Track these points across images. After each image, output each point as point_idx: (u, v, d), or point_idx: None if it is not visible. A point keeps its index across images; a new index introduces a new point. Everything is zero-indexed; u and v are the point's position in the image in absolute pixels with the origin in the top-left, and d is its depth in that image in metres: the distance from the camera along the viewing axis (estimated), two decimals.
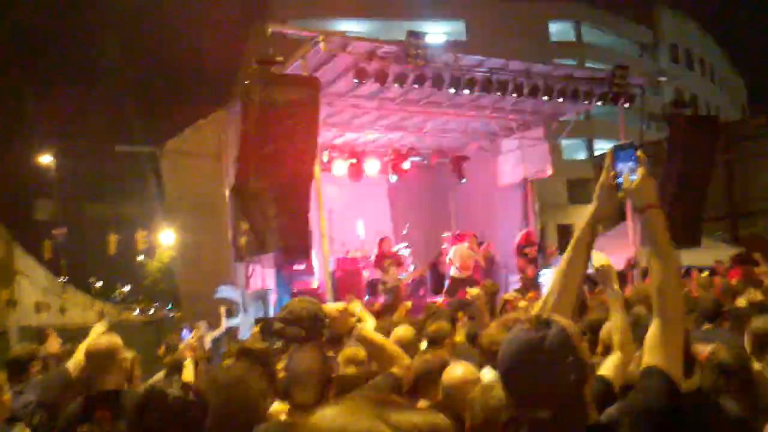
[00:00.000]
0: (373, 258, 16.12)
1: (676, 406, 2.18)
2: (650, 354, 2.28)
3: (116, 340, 4.46)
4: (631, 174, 2.46)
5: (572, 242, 2.61)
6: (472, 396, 3.29)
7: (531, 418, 2.08)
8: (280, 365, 5.02)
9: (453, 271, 16.21)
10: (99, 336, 4.63)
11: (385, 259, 15.75)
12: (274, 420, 2.64)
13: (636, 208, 2.48)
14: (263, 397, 3.43)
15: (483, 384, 3.39)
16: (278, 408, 3.68)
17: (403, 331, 5.71)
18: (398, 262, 16.17)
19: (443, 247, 17.42)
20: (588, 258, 2.63)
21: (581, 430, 2.09)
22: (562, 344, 2.09)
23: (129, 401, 4.06)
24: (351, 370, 4.99)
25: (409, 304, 11.10)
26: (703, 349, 4.18)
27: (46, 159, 39.23)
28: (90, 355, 4.41)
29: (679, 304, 2.38)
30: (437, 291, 17.20)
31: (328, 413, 1.27)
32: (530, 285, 15.00)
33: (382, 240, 16.09)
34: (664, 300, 2.34)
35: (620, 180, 2.47)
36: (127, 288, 73.28)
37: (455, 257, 16.24)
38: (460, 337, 6.89)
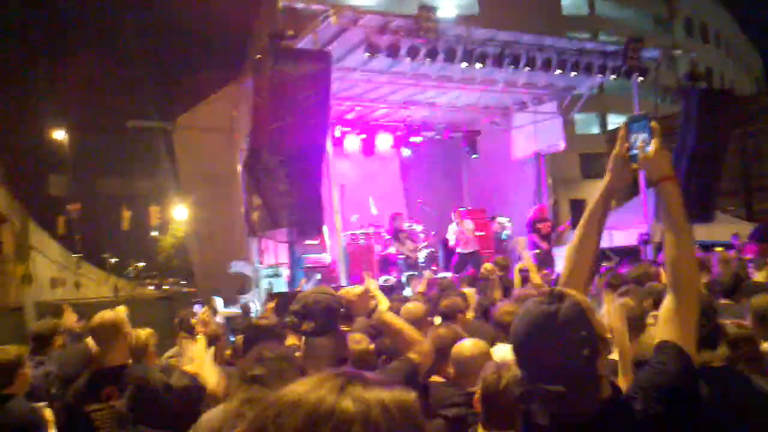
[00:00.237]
0: (385, 233, 16.12)
1: (690, 381, 2.17)
2: (664, 328, 2.25)
3: (121, 314, 4.49)
4: (645, 146, 2.42)
5: (585, 216, 2.56)
6: (484, 375, 3.29)
7: (543, 391, 2.06)
8: (291, 341, 5.05)
9: (459, 248, 16.22)
10: (105, 312, 4.64)
11: (400, 233, 15.78)
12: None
13: (651, 180, 2.44)
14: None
15: (496, 362, 3.39)
16: None
17: (413, 307, 5.70)
18: (412, 237, 16.21)
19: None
20: (601, 232, 2.58)
21: (594, 405, 2.08)
22: (575, 318, 2.07)
23: (131, 379, 4.09)
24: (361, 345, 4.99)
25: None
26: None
27: (59, 135, 39.36)
28: (95, 330, 4.44)
29: (694, 278, 2.36)
30: (449, 267, 17.21)
31: (294, 386, 1.26)
32: (544, 260, 14.94)
33: (395, 215, 16.09)
34: (678, 274, 2.31)
35: (635, 151, 2.44)
36: (141, 263, 73.64)
37: (449, 236, 16.27)
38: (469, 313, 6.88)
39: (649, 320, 4.42)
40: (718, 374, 3.53)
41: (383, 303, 7.57)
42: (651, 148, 2.40)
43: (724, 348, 3.84)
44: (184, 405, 3.78)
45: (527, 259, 9.04)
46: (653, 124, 2.44)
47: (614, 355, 3.79)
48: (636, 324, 4.31)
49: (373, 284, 6.74)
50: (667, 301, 2.30)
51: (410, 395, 1.29)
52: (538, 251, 15.61)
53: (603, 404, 2.10)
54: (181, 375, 3.91)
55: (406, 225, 16.49)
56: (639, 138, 2.44)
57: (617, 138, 2.50)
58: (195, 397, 3.84)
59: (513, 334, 2.17)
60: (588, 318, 2.10)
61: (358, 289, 4.10)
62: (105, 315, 4.51)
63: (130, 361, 4.46)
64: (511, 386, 2.44)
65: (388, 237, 16.07)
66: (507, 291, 8.19)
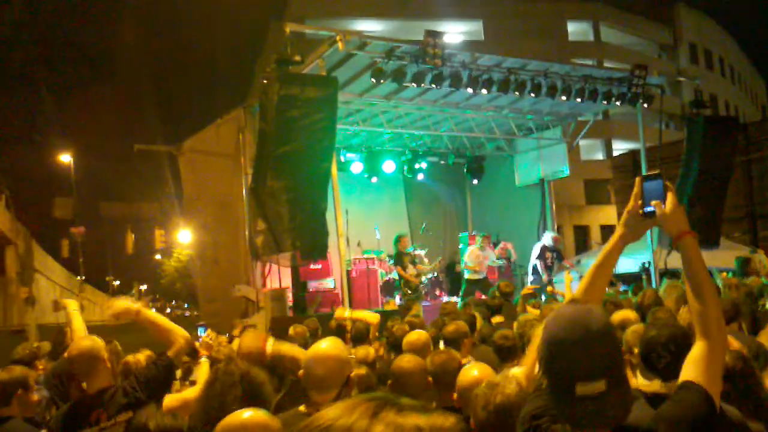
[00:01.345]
0: (388, 258, 16.07)
1: (712, 422, 2.23)
2: (691, 370, 2.32)
3: (97, 341, 4.45)
4: (661, 202, 2.51)
5: (594, 266, 2.64)
6: (477, 392, 3.27)
7: (580, 398, 2.04)
8: None
9: (467, 274, 16.17)
10: (79, 341, 4.61)
11: (403, 256, 15.75)
12: (240, 416, 2.65)
13: (670, 235, 2.51)
14: (266, 397, 3.41)
15: (488, 381, 3.37)
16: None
17: (416, 336, 5.70)
18: (416, 261, 16.21)
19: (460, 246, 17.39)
20: (608, 280, 2.70)
21: (626, 412, 2.10)
22: (607, 321, 2.15)
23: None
24: (362, 370, 4.98)
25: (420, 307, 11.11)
26: None
27: (65, 158, 39.48)
28: (73, 360, 4.40)
29: (722, 327, 2.44)
30: (453, 292, 17.17)
31: (328, 410, 1.23)
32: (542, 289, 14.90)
33: (399, 238, 16.05)
34: (708, 325, 2.38)
35: (650, 208, 2.51)
36: (144, 287, 73.67)
37: (469, 259, 16.21)
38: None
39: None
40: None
41: (372, 319, 7.52)
42: (668, 204, 2.49)
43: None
44: None
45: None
46: (668, 183, 2.53)
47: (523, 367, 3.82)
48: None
49: (344, 311, 6.77)
50: (698, 347, 2.37)
51: (449, 420, 1.24)
52: (534, 280, 15.60)
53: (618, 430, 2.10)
54: (163, 416, 3.86)
55: (409, 249, 16.46)
56: (653, 195, 2.53)
57: (632, 195, 2.57)
58: None
59: (549, 334, 2.17)
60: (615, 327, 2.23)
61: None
62: (81, 344, 4.46)
63: (111, 382, 4.40)
64: (504, 408, 2.44)
65: (391, 262, 16.02)
66: (510, 316, 8.16)
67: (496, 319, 8.47)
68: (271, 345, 4.93)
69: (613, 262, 2.63)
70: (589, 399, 2.03)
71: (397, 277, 15.97)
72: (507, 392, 3.13)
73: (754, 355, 4.39)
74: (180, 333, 4.40)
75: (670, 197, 2.50)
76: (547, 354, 2.17)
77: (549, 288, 10.57)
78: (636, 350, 4.13)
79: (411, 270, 15.76)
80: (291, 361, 4.37)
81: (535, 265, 16.29)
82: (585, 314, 2.11)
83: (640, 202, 2.54)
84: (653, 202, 2.50)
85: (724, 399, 3.61)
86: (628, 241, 2.59)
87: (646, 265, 15.24)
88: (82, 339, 4.61)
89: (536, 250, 16.45)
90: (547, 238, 16.44)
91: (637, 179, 2.59)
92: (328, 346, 3.75)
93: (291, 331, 7.98)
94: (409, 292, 15.32)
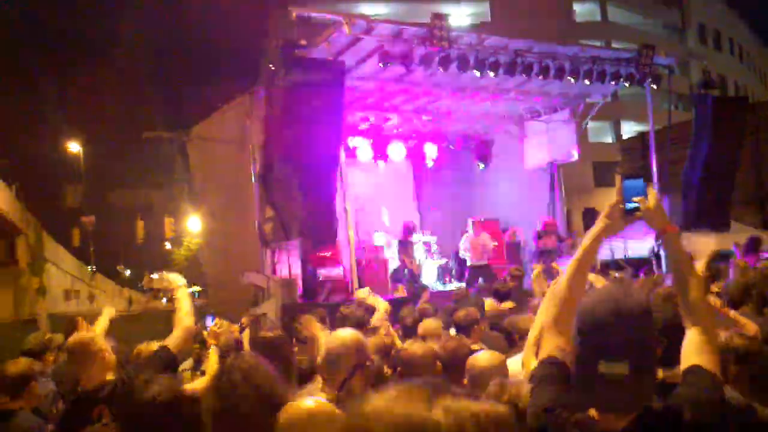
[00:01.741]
0: (396, 243, 16.02)
1: (723, 400, 2.34)
2: (692, 356, 2.41)
3: (93, 335, 4.44)
4: (644, 199, 2.62)
5: (577, 258, 2.69)
6: (489, 390, 3.25)
7: (603, 377, 2.11)
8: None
9: (469, 260, 16.15)
10: (76, 334, 4.60)
11: (408, 244, 15.73)
12: (305, 406, 2.60)
13: (655, 230, 2.67)
14: (275, 385, 3.38)
15: (500, 381, 3.35)
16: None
17: (430, 323, 5.72)
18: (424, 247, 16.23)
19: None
20: (588, 272, 2.78)
21: (650, 396, 2.18)
22: (647, 302, 2.25)
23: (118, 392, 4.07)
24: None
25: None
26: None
27: (74, 147, 39.56)
28: (70, 351, 4.39)
29: (710, 315, 2.57)
30: (462, 278, 17.15)
31: (379, 400, 1.22)
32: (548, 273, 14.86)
33: (407, 225, 16.01)
34: (697, 314, 2.49)
35: (634, 205, 2.62)
36: (155, 275, 73.86)
37: (462, 245, 16.20)
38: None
39: None
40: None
41: (381, 306, 7.55)
42: (650, 200, 2.61)
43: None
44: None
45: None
46: (650, 186, 2.68)
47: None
48: None
49: (365, 292, 6.81)
50: (691, 335, 2.47)
51: (502, 408, 1.26)
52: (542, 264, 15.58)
53: (647, 411, 2.18)
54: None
55: (416, 237, 16.40)
56: (634, 191, 2.65)
57: (615, 191, 2.68)
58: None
59: (584, 307, 2.26)
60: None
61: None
62: (78, 337, 4.45)
63: (111, 376, 4.37)
64: (530, 416, 2.42)
65: (398, 246, 15.95)
66: (521, 301, 8.13)
67: (506, 304, 8.43)
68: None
69: (594, 254, 2.70)
70: (613, 382, 2.10)
71: (399, 263, 15.98)
72: (523, 393, 3.11)
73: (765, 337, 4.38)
74: (182, 324, 4.38)
75: (651, 194, 2.62)
76: (579, 327, 2.25)
77: (554, 264, 10.54)
78: None
79: (416, 257, 15.76)
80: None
81: (534, 250, 16.40)
82: (623, 294, 2.20)
83: (620, 198, 2.64)
84: (636, 199, 2.61)
85: (735, 381, 3.60)
86: (609, 233, 2.67)
87: (656, 249, 15.16)
88: (81, 332, 4.61)
89: (531, 237, 16.59)
90: (539, 224, 16.50)
91: (618, 177, 2.69)
92: (339, 332, 3.80)
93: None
94: (412, 281, 15.32)
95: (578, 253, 2.69)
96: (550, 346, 2.55)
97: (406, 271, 15.61)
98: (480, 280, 15.24)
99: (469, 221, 16.60)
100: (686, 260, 2.59)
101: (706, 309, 2.54)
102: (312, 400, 2.59)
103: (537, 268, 8.74)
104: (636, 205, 2.60)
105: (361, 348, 3.73)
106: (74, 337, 4.48)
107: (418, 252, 16.24)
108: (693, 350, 2.42)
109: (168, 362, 4.17)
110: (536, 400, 2.40)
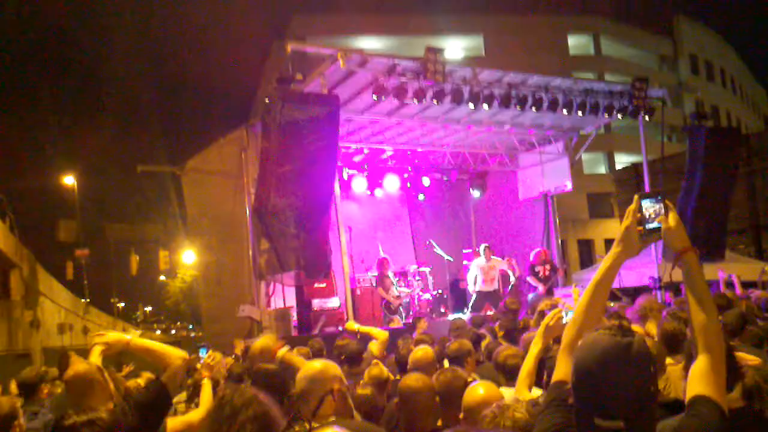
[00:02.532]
0: (374, 280, 15.97)
1: (726, 429, 2.28)
2: (698, 384, 2.37)
3: (92, 365, 4.42)
4: (665, 218, 2.56)
5: (593, 283, 2.66)
6: (486, 414, 3.24)
7: (599, 429, 2.07)
8: None
9: (478, 287, 16.14)
10: (76, 363, 4.57)
11: (384, 278, 15.72)
12: None
13: (674, 250, 2.56)
14: (272, 417, 3.39)
15: (498, 403, 3.34)
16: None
17: (422, 352, 5.68)
18: (404, 281, 16.27)
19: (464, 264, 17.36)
20: (607, 297, 2.73)
21: None
22: (647, 352, 2.13)
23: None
24: (367, 390, 4.98)
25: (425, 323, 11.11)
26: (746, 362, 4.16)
27: (68, 180, 39.56)
28: (68, 383, 4.37)
29: (721, 339, 2.48)
30: (458, 308, 17.13)
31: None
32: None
33: (381, 261, 15.99)
34: (708, 339, 2.44)
35: (654, 224, 2.57)
36: (149, 308, 73.59)
37: (478, 272, 16.19)
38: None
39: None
40: (736, 415, 3.53)
41: (380, 336, 7.51)
42: (671, 220, 2.55)
43: (739, 389, 3.80)
44: None
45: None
46: (667, 201, 2.58)
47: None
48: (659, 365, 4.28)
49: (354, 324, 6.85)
50: (700, 362, 2.42)
51: None
52: (533, 296, 15.59)
53: None
54: None
55: (390, 272, 16.38)
56: (651, 210, 2.58)
57: (628, 212, 2.62)
58: None
59: (580, 364, 2.17)
60: (653, 355, 2.18)
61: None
62: (76, 368, 4.43)
63: (111, 406, 4.36)
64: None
65: (375, 284, 15.88)
66: (511, 334, 8.12)
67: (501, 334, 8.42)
68: (283, 351, 5.34)
69: (612, 278, 2.66)
70: (609, 431, 2.06)
71: (404, 295, 15.99)
72: (517, 416, 3.11)
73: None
74: (176, 354, 4.36)
75: (672, 214, 2.54)
76: (574, 377, 2.18)
77: (556, 299, 10.56)
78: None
79: (393, 291, 15.74)
80: (297, 371, 4.40)
81: (529, 280, 16.40)
82: (621, 349, 2.10)
83: (638, 217, 2.58)
84: (658, 219, 2.55)
85: (740, 417, 3.63)
86: (626, 257, 2.62)
87: (656, 280, 15.18)
88: (79, 362, 4.58)
89: (525, 268, 16.60)
90: (533, 256, 16.51)
91: (636, 196, 2.63)
92: (311, 362, 3.97)
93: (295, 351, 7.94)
94: (389, 313, 15.31)
95: (595, 277, 2.66)
96: (562, 371, 2.54)
97: (382, 304, 15.59)
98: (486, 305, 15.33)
99: (482, 247, 16.63)
100: (704, 283, 2.52)
101: (719, 336, 2.47)
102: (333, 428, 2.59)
103: (576, 291, 8.75)
104: (658, 225, 2.55)
105: (329, 376, 3.83)
106: (72, 368, 4.45)
107: (398, 285, 16.15)
108: (700, 378, 2.37)
109: (161, 395, 4.15)
110: (545, 422, 2.40)
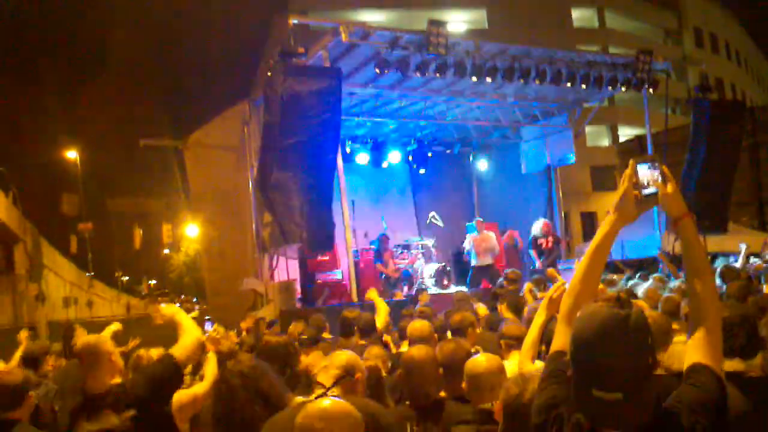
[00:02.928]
0: (375, 256, 16.01)
1: (725, 397, 2.24)
2: (696, 353, 2.34)
3: (102, 337, 4.46)
4: (663, 184, 2.50)
5: (591, 250, 2.61)
6: (508, 385, 3.24)
7: (596, 400, 2.07)
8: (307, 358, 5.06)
9: (473, 261, 16.17)
10: (86, 335, 4.64)
11: (384, 252, 15.82)
12: (321, 405, 2.63)
13: (671, 216, 2.52)
14: (277, 390, 3.44)
15: (521, 374, 3.35)
16: (298, 401, 3.67)
17: (420, 324, 5.70)
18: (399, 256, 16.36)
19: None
20: (603, 266, 2.66)
21: (647, 415, 2.10)
22: (644, 324, 2.11)
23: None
24: (371, 362, 5.01)
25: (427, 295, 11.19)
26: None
27: (71, 154, 39.56)
28: (78, 353, 4.40)
29: (718, 311, 2.44)
30: (461, 281, 17.16)
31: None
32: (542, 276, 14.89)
33: (382, 238, 16.06)
34: (704, 308, 2.41)
35: (651, 190, 2.50)
36: (153, 281, 73.80)
37: (468, 246, 16.26)
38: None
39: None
40: (755, 384, 3.57)
41: (383, 310, 7.53)
42: (669, 185, 2.49)
43: (760, 357, 3.84)
44: None
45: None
46: (664, 167, 2.52)
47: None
48: (662, 336, 4.29)
49: (374, 293, 6.85)
50: (697, 330, 2.38)
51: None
52: (537, 267, 15.58)
53: (651, 417, 2.12)
54: None
55: (417, 240, 16.47)
56: (648, 176, 2.51)
57: (624, 176, 2.54)
58: None
59: (578, 335, 2.16)
60: (651, 328, 2.14)
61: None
62: (87, 339, 4.47)
63: (117, 380, 4.39)
64: (534, 411, 2.41)
65: (377, 258, 15.94)
66: (516, 306, 8.13)
67: (503, 307, 8.45)
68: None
69: (609, 246, 2.61)
70: (608, 403, 2.05)
71: (402, 268, 16.06)
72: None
73: None
74: (192, 334, 4.40)
75: (669, 179, 2.50)
76: (572, 349, 2.17)
77: (549, 270, 10.53)
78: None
79: (391, 265, 15.79)
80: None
81: (530, 253, 16.38)
82: (620, 321, 2.09)
83: (635, 182, 2.52)
84: (656, 183, 2.49)
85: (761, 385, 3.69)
86: (623, 224, 2.56)
87: (665, 247, 15.14)
88: (89, 335, 4.62)
89: (526, 243, 16.59)
90: (536, 228, 16.46)
91: (631, 161, 2.56)
92: (338, 353, 3.82)
93: (291, 328, 7.92)
94: (389, 287, 15.34)
95: (591, 246, 2.62)
96: (561, 340, 2.53)
97: (383, 276, 15.66)
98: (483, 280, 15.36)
99: (474, 221, 16.65)
100: (701, 250, 2.48)
101: (715, 305, 2.43)
102: (329, 399, 2.62)
103: (528, 286, 8.80)
104: (654, 190, 2.48)
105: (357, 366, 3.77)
106: (83, 340, 4.49)
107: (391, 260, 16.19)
108: (697, 346, 2.35)
109: (173, 370, 4.19)
110: (544, 394, 2.39)
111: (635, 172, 2.52)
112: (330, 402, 2.56)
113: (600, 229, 2.61)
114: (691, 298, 2.46)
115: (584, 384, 2.10)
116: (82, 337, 4.59)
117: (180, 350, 4.26)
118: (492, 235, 16.45)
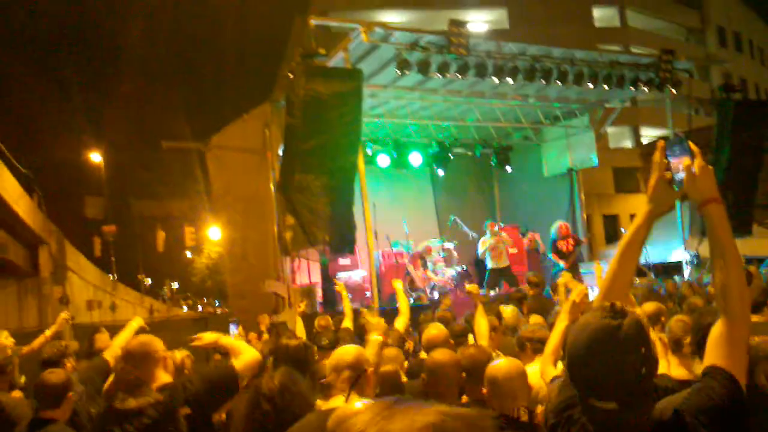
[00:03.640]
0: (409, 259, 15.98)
1: (738, 407, 2.13)
2: (713, 353, 2.21)
3: (153, 338, 4.50)
4: (690, 167, 2.35)
5: (624, 242, 2.49)
6: (546, 393, 3.23)
7: (595, 408, 2.06)
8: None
9: (489, 263, 16.11)
10: (135, 336, 4.67)
11: (419, 260, 15.79)
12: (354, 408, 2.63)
13: (696, 203, 2.37)
14: (306, 397, 3.45)
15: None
16: (321, 405, 3.67)
17: (436, 331, 5.66)
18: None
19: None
20: (638, 259, 2.53)
21: (647, 424, 2.06)
22: (637, 335, 2.05)
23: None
24: (390, 367, 4.98)
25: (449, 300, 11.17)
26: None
27: (95, 157, 39.81)
28: (126, 355, 4.43)
29: (745, 302, 2.28)
30: (483, 284, 17.11)
31: (346, 410, 1.24)
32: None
33: (428, 249, 16.05)
34: (728, 298, 2.24)
35: (679, 174, 2.36)
36: (175, 284, 74.11)
37: (482, 248, 16.22)
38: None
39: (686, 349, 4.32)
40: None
41: (404, 307, 7.50)
42: (695, 167, 2.34)
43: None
44: None
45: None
46: (691, 144, 2.38)
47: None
48: (676, 345, 4.24)
49: (399, 285, 6.80)
50: (718, 325, 2.25)
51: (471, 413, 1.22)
52: (560, 270, 15.47)
53: (653, 424, 2.09)
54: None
55: (439, 242, 16.47)
56: (677, 159, 2.37)
57: (654, 164, 2.42)
58: None
59: (571, 346, 2.14)
60: (647, 336, 2.08)
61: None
62: (138, 339, 4.51)
63: (168, 380, 4.45)
64: (550, 413, 2.38)
65: (409, 260, 15.91)
66: (541, 309, 8.07)
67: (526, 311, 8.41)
68: None
69: (643, 239, 2.46)
70: (606, 412, 2.03)
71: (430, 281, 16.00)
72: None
73: None
74: (253, 352, 4.47)
75: (697, 160, 2.35)
76: (567, 359, 2.16)
77: (560, 279, 10.45)
78: (687, 339, 4.12)
79: (419, 273, 15.70)
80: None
81: (550, 257, 16.27)
82: (612, 331, 2.05)
83: (665, 166, 2.39)
84: (683, 165, 2.35)
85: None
86: (656, 215, 2.42)
87: (693, 255, 15.03)
88: (140, 335, 4.68)
89: (547, 246, 16.50)
90: (554, 230, 16.35)
91: (660, 142, 2.43)
92: (345, 348, 3.89)
93: (315, 323, 8.01)
94: (410, 289, 15.24)
95: (624, 238, 2.48)
96: None
97: (405, 278, 15.59)
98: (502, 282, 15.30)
99: (486, 224, 16.61)
100: (730, 238, 2.31)
101: (742, 299, 2.25)
102: (360, 402, 2.60)
103: (598, 268, 8.68)
104: (683, 174, 2.35)
105: (363, 360, 3.75)
106: (136, 339, 4.54)
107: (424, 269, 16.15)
108: (716, 345, 2.22)
109: (231, 379, 4.25)
110: (559, 396, 2.36)
111: (664, 156, 2.40)
112: (362, 405, 2.55)
113: (633, 221, 2.49)
114: (716, 289, 2.30)
115: (582, 393, 2.11)
116: (134, 338, 4.64)
117: (241, 363, 4.30)
118: (504, 236, 16.38)
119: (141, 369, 4.26)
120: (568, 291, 6.51)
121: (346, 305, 8.05)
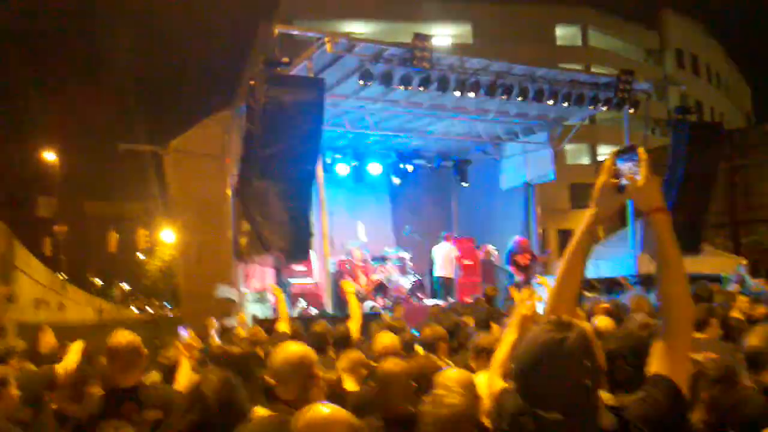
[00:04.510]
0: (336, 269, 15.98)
1: (680, 415, 2.19)
2: (657, 362, 2.24)
3: (137, 337, 4.51)
4: (634, 175, 2.36)
5: (570, 247, 2.52)
6: (423, 410, 3.27)
7: (541, 418, 2.07)
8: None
9: (437, 271, 16.25)
10: (121, 333, 4.64)
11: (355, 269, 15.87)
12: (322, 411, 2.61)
13: (641, 211, 2.40)
14: (243, 402, 3.46)
15: (432, 397, 3.38)
16: (260, 412, 3.65)
17: (388, 339, 5.67)
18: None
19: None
20: (585, 262, 2.53)
21: (594, 428, 2.09)
22: (581, 348, 2.08)
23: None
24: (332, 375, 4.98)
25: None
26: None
27: (48, 156, 39.29)
28: (112, 350, 4.42)
29: (688, 313, 2.31)
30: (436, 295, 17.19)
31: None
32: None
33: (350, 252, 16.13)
34: (671, 308, 2.29)
35: (624, 182, 2.38)
36: (126, 286, 73.30)
37: (436, 255, 16.35)
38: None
39: None
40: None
41: (356, 309, 7.47)
42: (640, 177, 2.35)
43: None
44: None
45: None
46: (641, 151, 2.38)
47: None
48: None
49: (350, 287, 6.78)
50: (663, 335, 2.28)
51: None
52: (516, 283, 15.62)
53: None
54: None
55: (393, 251, 16.57)
56: (626, 167, 2.38)
57: (603, 168, 2.45)
58: None
59: (517, 359, 2.18)
60: (593, 349, 2.11)
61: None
62: (125, 336, 4.51)
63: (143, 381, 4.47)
64: (501, 417, 2.41)
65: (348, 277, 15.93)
66: (491, 320, 8.11)
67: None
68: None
69: (589, 245, 2.48)
70: (552, 423, 2.05)
71: (377, 280, 16.03)
72: (451, 402, 3.14)
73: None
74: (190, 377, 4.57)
75: (644, 170, 2.36)
76: (513, 371, 2.19)
77: (512, 292, 10.57)
78: None
79: (362, 279, 15.75)
80: None
81: (508, 270, 16.44)
82: (554, 345, 2.08)
83: (613, 173, 2.42)
84: (627, 176, 2.36)
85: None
86: (599, 220, 2.45)
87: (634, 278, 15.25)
88: (125, 332, 4.65)
89: (503, 258, 16.64)
90: (513, 244, 16.54)
91: (612, 152, 2.47)
92: (289, 345, 3.89)
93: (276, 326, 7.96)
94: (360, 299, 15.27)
95: (570, 244, 2.50)
96: None
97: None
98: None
99: (442, 234, 16.73)
100: (675, 248, 2.32)
101: (685, 308, 2.28)
102: (328, 406, 2.60)
103: (543, 280, 8.76)
104: (627, 183, 2.36)
105: (310, 361, 3.74)
106: (119, 337, 4.51)
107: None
108: (660, 353, 2.25)
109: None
110: (510, 402, 2.36)
111: (614, 163, 2.42)
112: (330, 409, 2.54)
113: (578, 227, 2.51)
114: (661, 298, 2.32)
115: (529, 403, 2.12)
116: (120, 334, 4.59)
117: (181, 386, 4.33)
118: (452, 248, 16.53)
119: (127, 367, 4.31)
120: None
121: (282, 309, 8.04)
